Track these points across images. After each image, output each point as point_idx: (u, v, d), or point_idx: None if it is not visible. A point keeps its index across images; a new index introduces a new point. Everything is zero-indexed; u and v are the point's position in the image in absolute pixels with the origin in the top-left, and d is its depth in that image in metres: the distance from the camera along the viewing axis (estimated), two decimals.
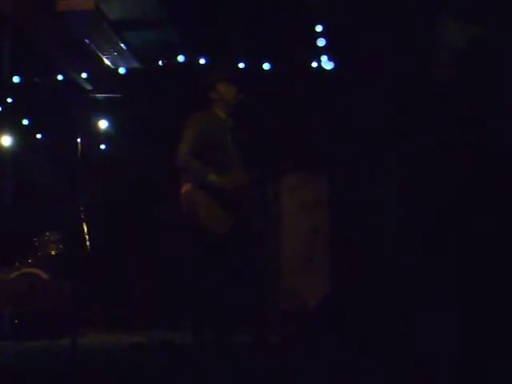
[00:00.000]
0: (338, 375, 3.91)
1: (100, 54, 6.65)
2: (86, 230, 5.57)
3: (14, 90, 7.13)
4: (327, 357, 4.43)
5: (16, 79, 7.03)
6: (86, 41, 6.36)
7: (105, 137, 7.34)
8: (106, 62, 6.82)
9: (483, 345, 4.00)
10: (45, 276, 5.98)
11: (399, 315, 4.87)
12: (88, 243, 5.55)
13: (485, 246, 4.54)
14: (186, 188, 4.99)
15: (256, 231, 5.16)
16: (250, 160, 5.27)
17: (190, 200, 4.95)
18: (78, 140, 5.94)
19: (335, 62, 6.50)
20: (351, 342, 4.67)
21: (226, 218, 4.95)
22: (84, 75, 6.97)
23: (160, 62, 6.85)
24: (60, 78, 7.05)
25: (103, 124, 7.21)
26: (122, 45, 6.48)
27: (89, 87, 7.19)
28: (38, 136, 7.55)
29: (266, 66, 6.68)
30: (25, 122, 7.43)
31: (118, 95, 7.22)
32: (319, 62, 6.54)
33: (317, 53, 6.48)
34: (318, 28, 6.32)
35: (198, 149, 4.94)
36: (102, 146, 7.52)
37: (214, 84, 5.14)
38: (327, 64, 6.51)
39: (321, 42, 6.36)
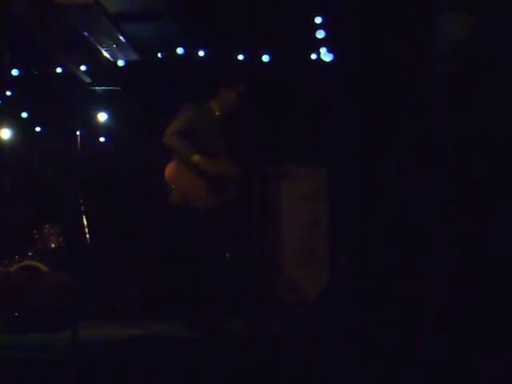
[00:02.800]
0: (338, 365, 3.92)
1: (99, 47, 6.64)
2: (85, 222, 5.58)
3: (13, 82, 7.12)
4: (327, 347, 4.43)
5: (15, 72, 7.02)
6: (85, 33, 6.35)
7: (104, 129, 7.33)
8: (105, 54, 6.81)
9: (486, 340, 4.01)
10: (45, 269, 5.98)
11: (400, 306, 4.87)
12: (88, 236, 5.56)
13: (483, 240, 4.54)
14: (170, 164, 5.11)
15: (238, 224, 5.24)
16: (247, 153, 5.32)
17: (173, 177, 5.06)
18: (78, 133, 5.94)
19: (334, 54, 6.49)
20: (352, 332, 4.68)
21: (207, 194, 5.03)
22: (83, 68, 6.96)
23: (159, 55, 6.84)
24: (59, 70, 7.04)
25: (102, 117, 7.21)
26: (121, 37, 6.47)
27: (88, 80, 7.17)
28: (38, 129, 7.55)
29: (266, 58, 6.67)
30: (24, 114, 7.42)
31: (117, 88, 7.21)
32: (318, 53, 6.53)
33: (316, 45, 6.47)
34: (318, 20, 6.31)
35: (186, 133, 5.06)
36: (102, 139, 7.52)
37: (218, 86, 5.25)
38: (326, 56, 6.50)
39: (320, 34, 6.35)
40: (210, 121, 5.30)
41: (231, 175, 5.20)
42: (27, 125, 7.45)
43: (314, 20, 6.31)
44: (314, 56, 6.58)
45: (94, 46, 6.60)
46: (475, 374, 3.61)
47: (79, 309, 5.33)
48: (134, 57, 6.87)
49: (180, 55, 6.80)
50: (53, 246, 6.29)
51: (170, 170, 5.19)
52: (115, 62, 6.92)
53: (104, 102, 7.23)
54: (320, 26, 6.33)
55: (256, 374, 3.85)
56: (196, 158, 5.10)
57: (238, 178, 5.24)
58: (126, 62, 6.92)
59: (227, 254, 5.26)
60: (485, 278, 4.35)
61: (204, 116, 5.29)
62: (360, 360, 4.01)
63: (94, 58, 6.87)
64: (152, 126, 6.79)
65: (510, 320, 3.99)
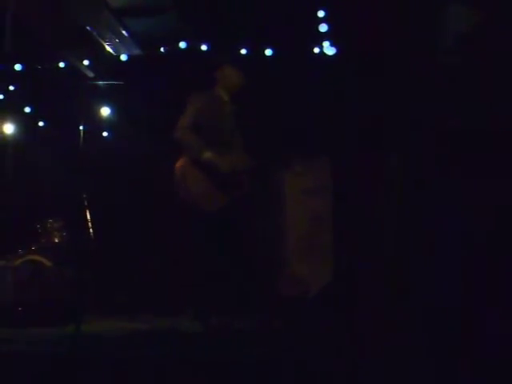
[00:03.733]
0: (337, 362, 3.92)
1: (102, 41, 6.64)
2: (88, 217, 5.58)
3: (16, 77, 7.13)
4: (328, 344, 4.43)
5: (18, 67, 7.03)
6: (88, 28, 6.35)
7: (107, 124, 7.33)
8: (108, 49, 6.81)
9: (484, 343, 4.00)
10: (48, 263, 5.99)
11: (401, 304, 4.87)
12: (91, 230, 5.56)
13: (486, 237, 4.53)
14: (179, 163, 5.03)
15: (250, 218, 5.19)
16: (253, 146, 5.28)
17: (182, 174, 4.98)
18: (81, 127, 5.95)
19: (337, 48, 6.48)
20: (352, 329, 4.68)
21: (218, 196, 4.95)
22: (86, 62, 6.96)
23: (162, 49, 6.83)
24: (62, 65, 7.04)
25: (105, 111, 7.21)
26: (124, 32, 6.47)
27: (91, 74, 7.17)
28: (41, 124, 7.55)
29: (269, 52, 6.66)
30: (27, 109, 7.43)
31: (120, 82, 7.21)
32: (321, 47, 6.52)
33: (319, 38, 6.46)
34: (321, 13, 6.30)
35: (196, 125, 4.97)
36: (105, 134, 7.53)
37: (219, 65, 5.18)
38: (329, 50, 6.48)
39: (323, 28, 6.34)
40: (221, 108, 5.19)
41: (244, 169, 5.09)
42: (30, 119, 7.45)
43: (316, 14, 6.30)
44: (317, 50, 6.57)
45: (96, 41, 6.60)
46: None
47: (82, 303, 5.34)
48: (136, 51, 6.87)
49: (183, 49, 6.79)
50: (56, 240, 6.30)
51: (179, 167, 5.06)
52: (118, 57, 6.92)
53: (107, 97, 7.23)
54: (323, 20, 6.32)
55: (257, 369, 3.85)
56: (208, 154, 4.97)
57: (250, 171, 5.14)
58: (128, 56, 6.91)
59: (230, 250, 5.24)
60: (489, 279, 4.35)
61: (214, 104, 5.17)
62: (359, 358, 4.01)
63: (96, 53, 6.87)
64: (155, 120, 6.80)
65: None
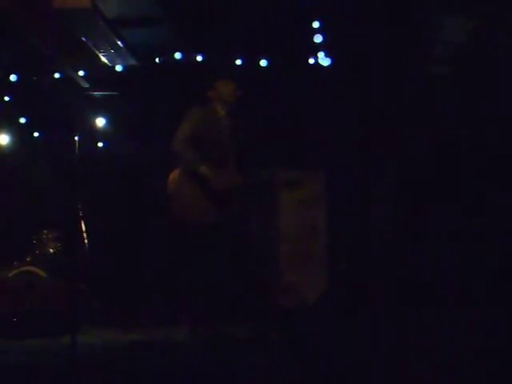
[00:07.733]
0: (336, 371, 3.91)
1: (97, 52, 6.64)
2: (84, 228, 5.58)
3: (11, 88, 7.13)
4: (326, 352, 4.43)
5: (13, 77, 7.03)
6: (83, 38, 6.36)
7: (102, 135, 7.33)
8: (103, 59, 6.81)
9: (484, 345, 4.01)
10: (43, 274, 5.97)
11: (398, 312, 4.88)
12: (86, 241, 5.56)
13: (480, 244, 4.55)
14: (173, 174, 5.04)
15: (245, 228, 5.20)
16: (248, 159, 5.29)
17: (175, 185, 4.99)
18: (76, 138, 5.94)
19: (332, 59, 6.50)
20: (350, 338, 4.68)
21: (209, 208, 4.97)
22: (81, 73, 6.97)
23: (157, 60, 6.85)
24: (57, 76, 7.05)
25: (101, 122, 7.21)
26: (119, 42, 6.47)
27: (86, 85, 7.18)
28: (36, 134, 7.55)
29: (263, 63, 6.68)
30: (22, 120, 7.43)
31: (116, 93, 7.21)
32: (316, 58, 6.54)
33: (314, 49, 6.48)
34: (315, 24, 6.32)
35: (193, 140, 4.99)
36: (100, 144, 7.52)
37: (211, 82, 5.19)
38: (324, 60, 6.51)
39: (318, 39, 6.36)
40: (217, 123, 5.20)
41: (237, 185, 5.09)
42: (25, 130, 7.45)
43: (311, 24, 6.32)
44: (311, 60, 6.59)
45: (92, 51, 6.61)
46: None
47: (78, 314, 5.32)
48: (131, 62, 6.88)
49: (178, 60, 6.80)
50: (51, 251, 6.29)
51: (172, 178, 5.06)
52: (113, 67, 6.93)
53: (102, 107, 7.23)
54: (317, 31, 6.34)
55: (255, 377, 3.85)
56: (203, 169, 4.96)
57: (243, 188, 5.14)
58: (123, 66, 6.92)
59: (225, 261, 5.23)
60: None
61: (210, 119, 5.18)
62: (359, 363, 4.01)
63: (92, 63, 6.88)
64: (150, 130, 6.81)
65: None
